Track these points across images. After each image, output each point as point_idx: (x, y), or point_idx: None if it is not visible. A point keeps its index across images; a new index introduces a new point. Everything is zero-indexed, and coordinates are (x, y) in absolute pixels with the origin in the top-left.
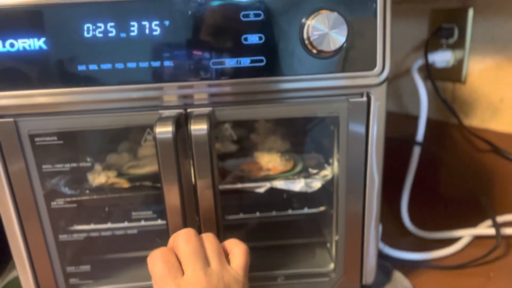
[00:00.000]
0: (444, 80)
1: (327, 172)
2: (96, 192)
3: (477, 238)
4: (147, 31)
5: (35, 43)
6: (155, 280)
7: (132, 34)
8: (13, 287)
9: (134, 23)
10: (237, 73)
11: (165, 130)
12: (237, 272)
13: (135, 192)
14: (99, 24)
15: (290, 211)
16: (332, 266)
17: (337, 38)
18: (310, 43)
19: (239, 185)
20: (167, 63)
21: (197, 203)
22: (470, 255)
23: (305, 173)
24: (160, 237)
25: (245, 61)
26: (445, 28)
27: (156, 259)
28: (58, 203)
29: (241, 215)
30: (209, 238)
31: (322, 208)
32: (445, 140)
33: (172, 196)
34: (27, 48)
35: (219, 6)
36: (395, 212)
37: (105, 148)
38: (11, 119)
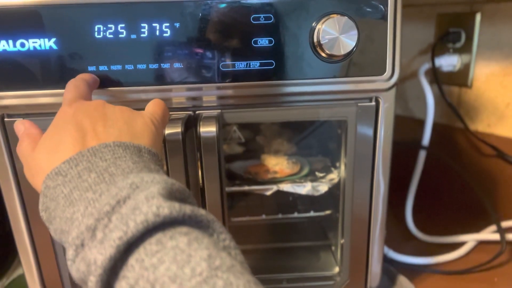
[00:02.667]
0: (450, 84)
1: (334, 176)
2: None
3: (482, 243)
4: (157, 33)
5: (46, 43)
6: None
7: (142, 35)
8: (19, 284)
9: (145, 25)
10: (246, 76)
11: (174, 132)
12: (145, 115)
13: None
14: (109, 25)
15: (296, 214)
16: (337, 269)
17: (347, 42)
18: (320, 47)
19: (246, 188)
20: (177, 65)
21: (204, 205)
22: (475, 260)
23: (312, 177)
24: None
25: (255, 64)
26: (452, 33)
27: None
28: None
29: (247, 218)
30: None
31: (328, 212)
32: (450, 144)
33: None
34: (38, 48)
35: (229, 9)
36: (399, 216)
37: None
38: (20, 119)
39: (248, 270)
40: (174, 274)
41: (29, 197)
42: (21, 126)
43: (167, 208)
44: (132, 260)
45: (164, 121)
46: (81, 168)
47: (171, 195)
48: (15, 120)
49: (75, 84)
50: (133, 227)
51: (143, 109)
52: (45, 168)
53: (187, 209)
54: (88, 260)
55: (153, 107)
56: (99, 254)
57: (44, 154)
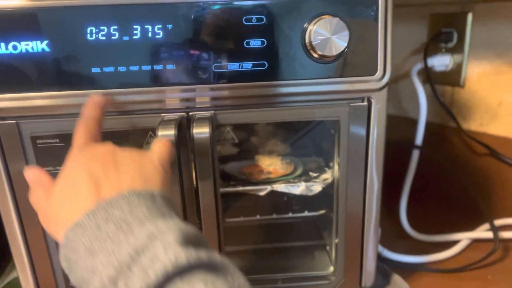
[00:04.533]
0: (443, 84)
1: (328, 176)
2: None
3: (475, 241)
4: (150, 34)
5: (38, 46)
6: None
7: (135, 37)
8: (13, 287)
9: (137, 27)
10: (239, 77)
11: (167, 133)
12: (153, 158)
13: None
14: (102, 27)
15: (290, 214)
16: (331, 269)
17: (339, 43)
18: (312, 47)
19: (240, 188)
20: (170, 67)
21: (198, 206)
22: (468, 258)
23: (305, 177)
24: None
25: (247, 65)
26: (444, 32)
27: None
28: None
29: (241, 218)
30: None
31: (322, 211)
32: (443, 143)
33: (173, 199)
34: (30, 50)
35: (221, 10)
36: (394, 215)
37: None
38: (13, 121)
39: None
40: None
41: (23, 201)
42: (30, 173)
43: (184, 257)
44: None
45: (170, 161)
46: (99, 219)
47: (187, 241)
48: (9, 123)
49: (87, 126)
50: (154, 277)
51: (139, 107)
52: (62, 219)
53: (203, 255)
54: None
55: (160, 149)
56: None
57: (59, 205)
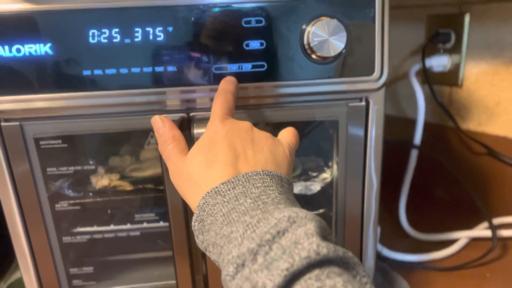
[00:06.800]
0: (441, 84)
1: (327, 175)
2: (99, 195)
3: (474, 240)
4: (151, 37)
5: (41, 49)
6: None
7: (136, 40)
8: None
9: (138, 29)
10: (239, 78)
11: None
12: (283, 143)
13: (138, 194)
14: (104, 30)
15: None
16: None
17: (337, 44)
18: (310, 49)
19: None
20: (170, 68)
21: None
22: (467, 256)
23: (304, 176)
24: (162, 239)
25: (247, 67)
26: (442, 33)
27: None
28: (62, 205)
29: None
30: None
31: (321, 211)
32: (442, 143)
33: (174, 199)
34: (33, 53)
35: (221, 12)
36: (393, 214)
37: (108, 151)
38: (17, 123)
39: None
40: None
41: (26, 202)
42: (161, 124)
43: (325, 248)
44: None
45: (296, 148)
46: (237, 191)
47: (323, 233)
48: (12, 125)
49: (226, 99)
50: (298, 261)
51: (141, 109)
52: (201, 182)
53: (340, 251)
54: (255, 282)
55: (289, 136)
56: (268, 280)
57: (198, 168)
